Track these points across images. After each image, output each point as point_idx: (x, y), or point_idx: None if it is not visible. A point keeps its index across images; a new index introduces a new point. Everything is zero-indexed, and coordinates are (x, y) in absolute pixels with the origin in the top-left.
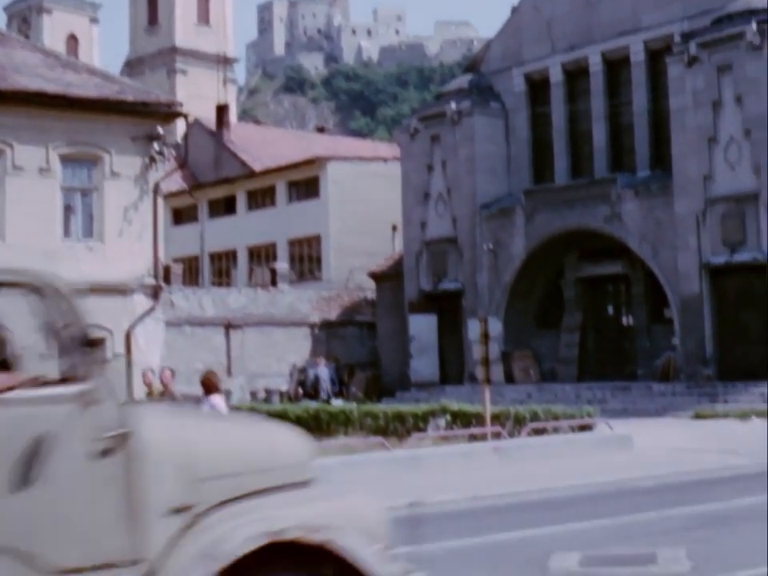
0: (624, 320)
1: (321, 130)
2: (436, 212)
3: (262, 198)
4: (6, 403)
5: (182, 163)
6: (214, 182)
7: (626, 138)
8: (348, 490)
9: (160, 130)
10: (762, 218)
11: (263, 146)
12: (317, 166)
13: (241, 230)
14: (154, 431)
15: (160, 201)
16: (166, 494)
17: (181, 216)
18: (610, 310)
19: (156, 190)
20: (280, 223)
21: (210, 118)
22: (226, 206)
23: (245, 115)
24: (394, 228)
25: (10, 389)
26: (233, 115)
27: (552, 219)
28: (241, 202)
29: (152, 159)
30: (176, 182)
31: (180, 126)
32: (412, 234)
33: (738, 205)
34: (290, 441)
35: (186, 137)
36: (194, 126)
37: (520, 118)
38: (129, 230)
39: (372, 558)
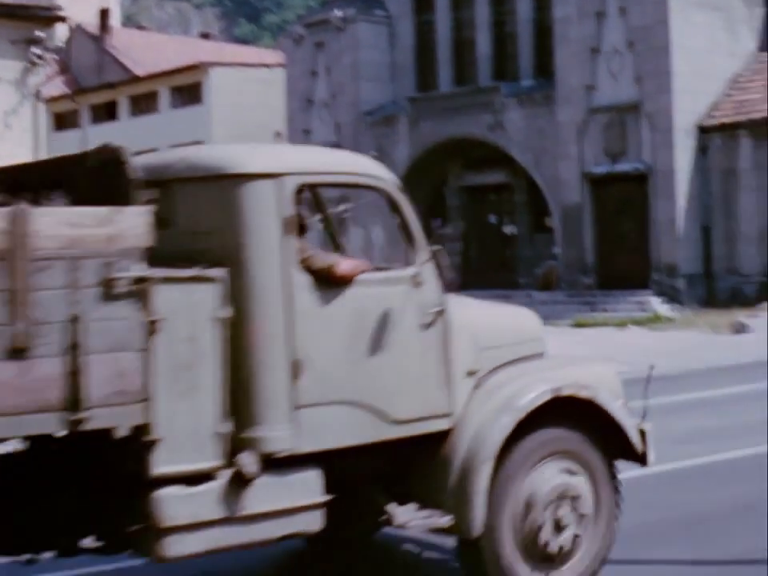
0: (506, 229)
1: (205, 36)
2: (320, 119)
3: (144, 104)
4: (366, 283)
5: (64, 68)
6: (96, 87)
7: (511, 47)
8: (583, 359)
9: (40, 33)
10: (643, 128)
11: (146, 51)
12: (200, 72)
13: (124, 136)
14: (454, 310)
15: (41, 106)
16: (464, 360)
17: (63, 121)
18: (493, 218)
19: (37, 94)
20: (163, 129)
21: (92, 23)
22: (108, 112)
23: (128, 21)
24: (278, 135)
25: (366, 272)
26: (116, 20)
27: (436, 127)
28: (123, 108)
29: (32, 63)
30: (58, 87)
31: (61, 30)
32: (295, 141)
33: (619, 115)
34: (532, 319)
35: (68, 42)
36: (76, 31)
37: (405, 25)
38: (9, 135)
39: (619, 411)
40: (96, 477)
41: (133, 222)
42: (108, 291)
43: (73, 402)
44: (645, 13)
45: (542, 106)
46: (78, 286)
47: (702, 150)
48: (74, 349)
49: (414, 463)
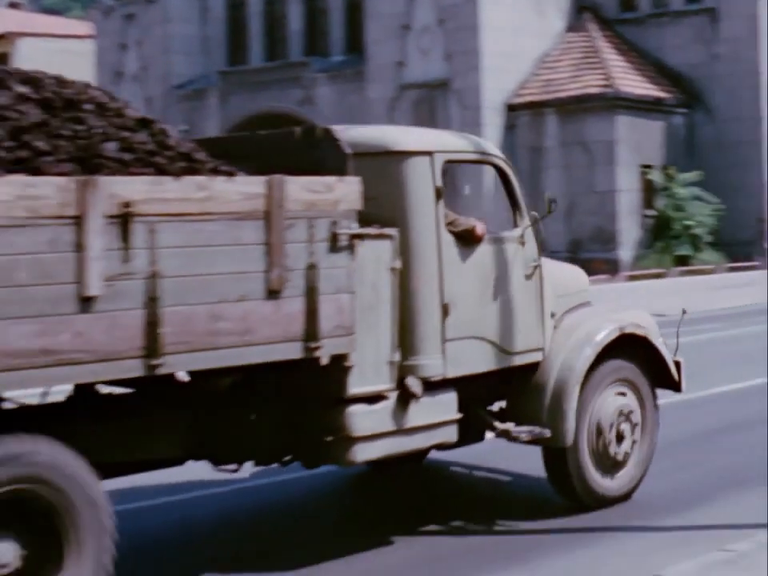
0: None
1: (13, 5)
2: (129, 92)
3: None
4: (491, 242)
5: None
6: None
7: (322, 22)
8: (625, 306)
9: None
10: (452, 105)
11: None
12: (7, 42)
13: None
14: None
15: None
16: (549, 304)
17: None
18: None
19: None
20: None
21: None
22: None
23: None
24: None
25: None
26: None
27: (247, 101)
28: None
29: None
30: None
31: None
32: None
33: (429, 92)
34: (583, 274)
35: None
36: None
37: None
38: None
39: (660, 346)
40: (291, 398)
41: (349, 189)
42: (333, 245)
43: (311, 333)
44: None
45: (353, 82)
46: (314, 240)
47: (510, 128)
48: (311, 291)
49: (511, 389)
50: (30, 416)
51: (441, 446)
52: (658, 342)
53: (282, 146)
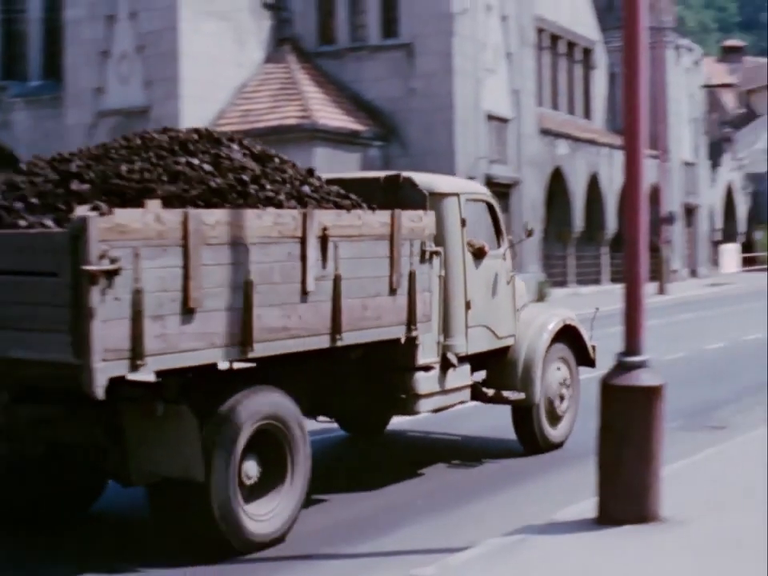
0: None
1: None
2: None
3: None
4: (490, 257)
5: None
6: None
7: (20, 46)
8: (557, 306)
9: None
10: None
11: None
12: None
13: None
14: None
15: None
16: (518, 301)
17: None
18: None
19: None
20: None
21: None
22: None
23: None
24: None
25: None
26: None
27: None
28: None
29: None
30: None
31: None
32: None
33: (128, 119)
34: (523, 282)
35: None
36: None
37: None
38: None
39: (585, 333)
40: (377, 367)
41: (430, 220)
42: (422, 258)
43: (411, 320)
44: (154, 18)
45: (50, 108)
46: (413, 254)
47: None
48: (411, 290)
49: (491, 364)
50: (258, 373)
51: (459, 404)
52: (584, 331)
53: (370, 187)
